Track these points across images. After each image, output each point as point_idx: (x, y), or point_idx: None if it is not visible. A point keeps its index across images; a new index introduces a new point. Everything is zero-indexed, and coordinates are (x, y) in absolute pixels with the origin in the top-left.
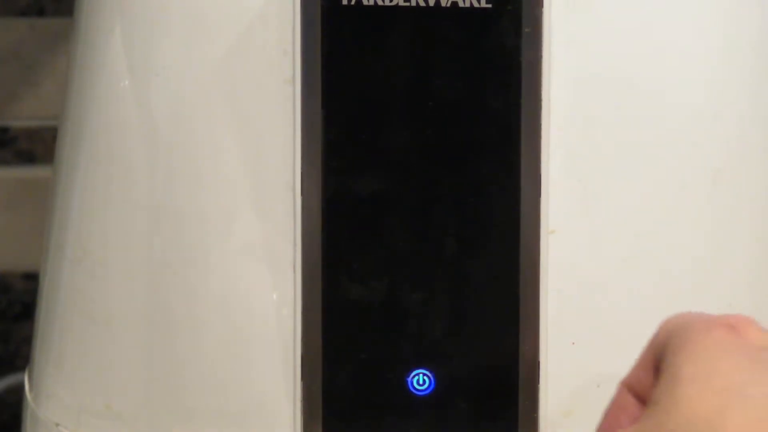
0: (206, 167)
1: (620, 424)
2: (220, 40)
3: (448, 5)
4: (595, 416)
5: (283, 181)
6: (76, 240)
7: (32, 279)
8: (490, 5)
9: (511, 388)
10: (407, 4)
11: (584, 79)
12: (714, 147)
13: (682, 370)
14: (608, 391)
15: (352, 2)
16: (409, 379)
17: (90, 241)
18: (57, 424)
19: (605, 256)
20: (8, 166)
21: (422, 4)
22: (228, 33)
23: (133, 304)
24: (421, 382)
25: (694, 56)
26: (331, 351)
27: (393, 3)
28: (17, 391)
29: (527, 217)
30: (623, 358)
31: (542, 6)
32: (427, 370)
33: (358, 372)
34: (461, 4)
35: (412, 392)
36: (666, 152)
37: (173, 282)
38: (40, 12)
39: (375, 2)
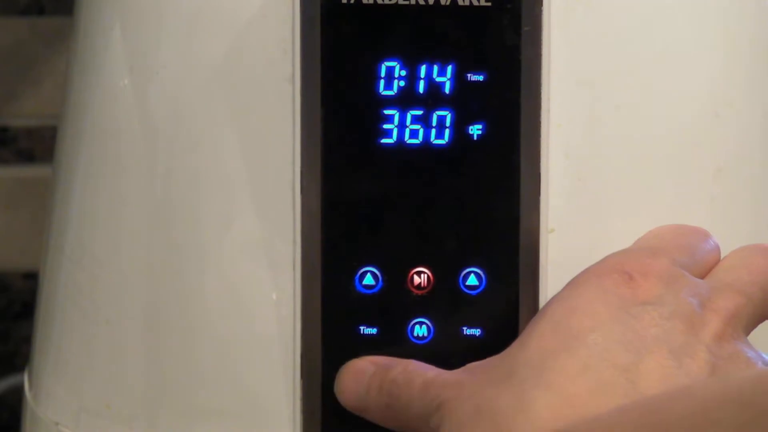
0: (205, 166)
1: None
2: (220, 38)
3: (448, 3)
4: None
5: (283, 180)
6: (76, 239)
7: (32, 278)
8: (489, 3)
9: None
10: (407, 2)
11: (584, 77)
12: (715, 145)
13: (550, 308)
14: None
15: (352, 0)
16: None
17: (89, 241)
18: (56, 424)
19: (605, 255)
20: (8, 165)
21: (422, 2)
22: (227, 32)
23: (133, 303)
24: None
25: (695, 54)
26: (330, 350)
27: (392, 1)
28: (17, 391)
29: (527, 216)
30: None
31: (542, 4)
32: None
33: None
34: (461, 3)
35: None
36: (666, 151)
37: (173, 281)
38: (40, 11)
39: (375, 1)
